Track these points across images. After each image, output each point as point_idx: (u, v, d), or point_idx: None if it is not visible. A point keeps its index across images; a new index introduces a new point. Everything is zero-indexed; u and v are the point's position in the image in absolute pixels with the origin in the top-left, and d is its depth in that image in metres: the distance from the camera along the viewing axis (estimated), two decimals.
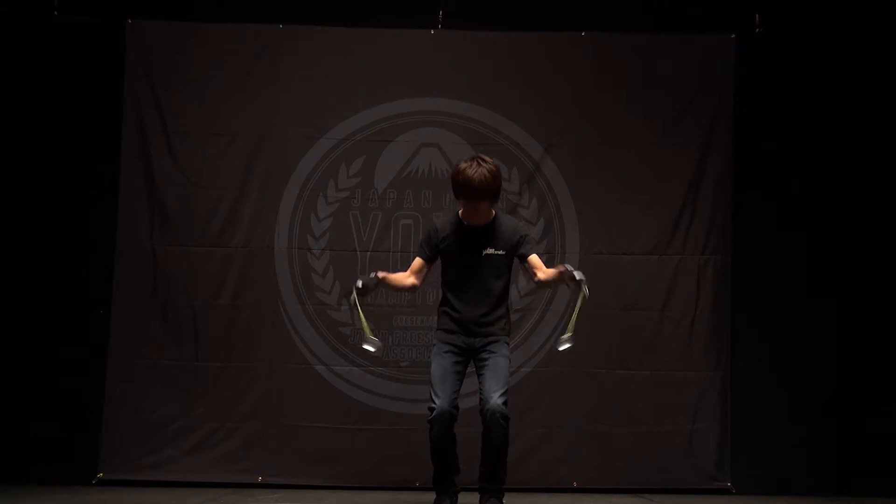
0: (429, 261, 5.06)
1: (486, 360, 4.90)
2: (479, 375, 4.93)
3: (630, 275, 6.23)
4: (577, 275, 4.72)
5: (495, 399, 4.76)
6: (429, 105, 6.32)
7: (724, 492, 6.13)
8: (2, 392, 6.09)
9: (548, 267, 5.05)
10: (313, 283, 6.23)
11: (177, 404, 6.10)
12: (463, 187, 4.83)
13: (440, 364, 4.91)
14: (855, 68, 6.33)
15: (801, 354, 6.22)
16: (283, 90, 6.28)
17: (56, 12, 6.21)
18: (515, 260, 5.03)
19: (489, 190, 4.83)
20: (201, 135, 6.25)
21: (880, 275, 6.26)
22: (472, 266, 4.92)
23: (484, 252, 4.91)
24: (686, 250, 6.25)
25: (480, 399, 4.83)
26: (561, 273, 4.83)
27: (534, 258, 4.98)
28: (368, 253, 6.25)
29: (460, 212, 5.01)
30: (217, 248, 6.20)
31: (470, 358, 4.96)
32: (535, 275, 4.97)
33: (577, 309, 4.79)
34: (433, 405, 4.82)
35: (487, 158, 4.90)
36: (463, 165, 4.86)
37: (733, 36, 6.30)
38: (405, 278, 5.09)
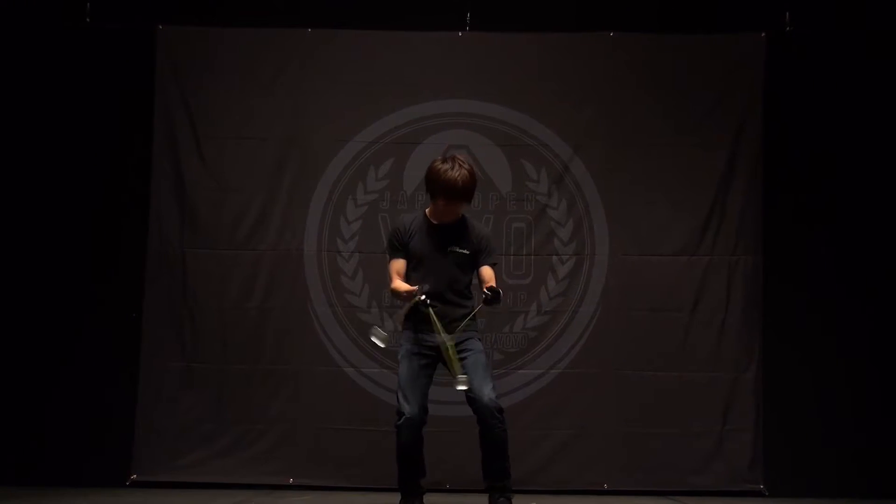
0: (405, 258, 4.96)
1: (464, 358, 4.80)
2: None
3: (659, 276, 6.20)
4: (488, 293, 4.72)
5: (487, 394, 4.70)
6: (457, 107, 6.33)
7: (756, 494, 6.07)
8: (36, 395, 6.16)
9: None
10: (343, 285, 6.24)
11: (208, 407, 6.14)
12: (445, 188, 4.80)
13: (409, 367, 4.85)
14: (887, 66, 6.26)
15: (832, 356, 6.16)
16: (312, 93, 6.31)
17: (88, 19, 6.28)
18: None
19: (470, 191, 4.86)
20: (231, 138, 6.28)
21: None
22: (437, 261, 4.88)
23: (449, 248, 4.89)
24: (716, 251, 6.21)
25: (470, 398, 4.75)
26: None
27: (487, 270, 4.93)
28: None
29: (428, 210, 5.00)
30: (246, 251, 6.24)
31: (439, 358, 4.86)
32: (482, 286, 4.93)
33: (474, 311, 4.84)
34: (402, 410, 4.76)
35: (461, 157, 4.90)
36: (443, 166, 4.82)
37: (763, 34, 6.26)
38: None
